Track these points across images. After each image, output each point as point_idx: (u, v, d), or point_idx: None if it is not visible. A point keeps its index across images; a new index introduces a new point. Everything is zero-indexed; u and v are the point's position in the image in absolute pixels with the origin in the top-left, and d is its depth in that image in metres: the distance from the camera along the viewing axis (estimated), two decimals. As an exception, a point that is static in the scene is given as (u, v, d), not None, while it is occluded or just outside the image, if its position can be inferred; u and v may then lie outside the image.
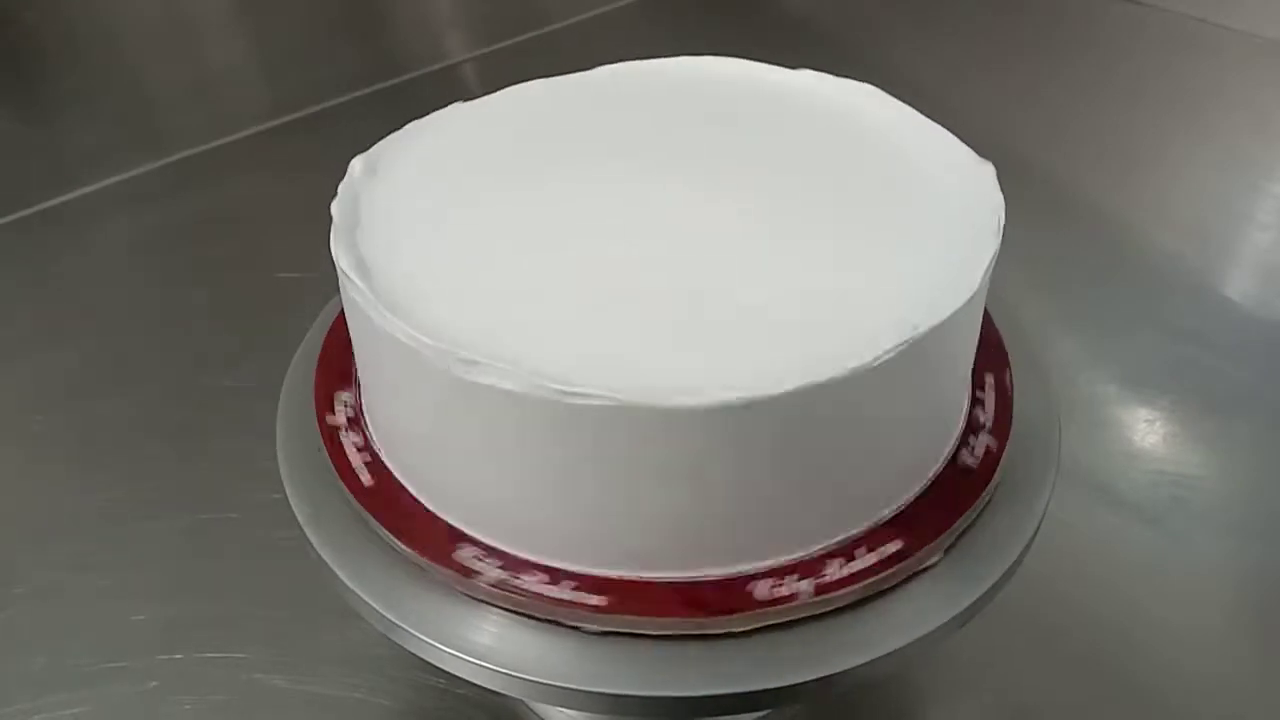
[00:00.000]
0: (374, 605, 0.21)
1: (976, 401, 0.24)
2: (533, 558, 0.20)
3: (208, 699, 0.29)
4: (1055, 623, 0.31)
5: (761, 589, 0.20)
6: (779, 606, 0.20)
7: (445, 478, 0.21)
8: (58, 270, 0.47)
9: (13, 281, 0.47)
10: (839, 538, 0.21)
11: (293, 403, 0.25)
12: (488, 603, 0.20)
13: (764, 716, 0.28)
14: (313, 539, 0.22)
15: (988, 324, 0.25)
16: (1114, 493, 0.36)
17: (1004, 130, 0.56)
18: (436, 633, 0.20)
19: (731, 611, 0.19)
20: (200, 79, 0.57)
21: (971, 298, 0.20)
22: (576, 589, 0.20)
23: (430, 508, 0.22)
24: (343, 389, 0.24)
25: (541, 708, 0.28)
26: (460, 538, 0.21)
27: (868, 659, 0.20)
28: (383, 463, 0.23)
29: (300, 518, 0.22)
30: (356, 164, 0.24)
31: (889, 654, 0.20)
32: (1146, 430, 0.38)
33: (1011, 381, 0.24)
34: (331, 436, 0.23)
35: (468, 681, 0.20)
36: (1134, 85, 0.61)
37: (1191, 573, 0.34)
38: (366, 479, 0.22)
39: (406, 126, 0.25)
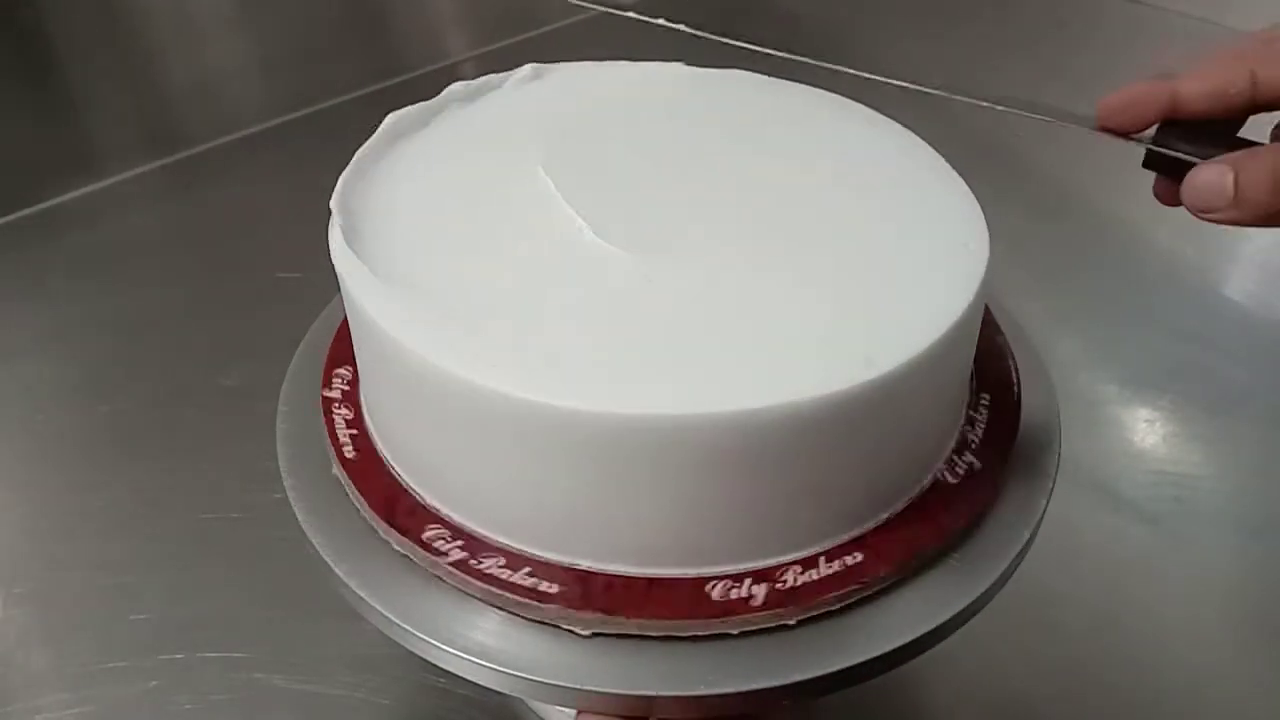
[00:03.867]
0: (375, 605, 0.21)
1: (970, 420, 0.23)
2: (495, 539, 0.21)
3: (208, 699, 0.29)
4: (1055, 622, 0.31)
5: (717, 591, 0.20)
6: (734, 612, 0.20)
7: (444, 475, 0.21)
8: (58, 270, 0.47)
9: (14, 281, 0.47)
10: (806, 548, 0.21)
11: (293, 401, 0.25)
12: (444, 581, 0.20)
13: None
14: (313, 539, 0.22)
15: (992, 343, 0.25)
16: (1114, 493, 0.36)
17: (1004, 130, 0.56)
18: (436, 632, 0.20)
19: (688, 612, 0.20)
20: (201, 79, 0.57)
21: (955, 327, 0.20)
22: (531, 574, 0.20)
23: (407, 482, 0.22)
24: (341, 366, 0.25)
25: (541, 707, 0.28)
26: (432, 519, 0.21)
27: (867, 658, 0.20)
28: (372, 443, 0.23)
29: (301, 518, 0.22)
30: (351, 168, 0.24)
31: (889, 653, 0.20)
32: (1146, 430, 0.38)
33: (1019, 394, 0.24)
34: (325, 410, 0.24)
35: (468, 681, 0.20)
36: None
37: (1191, 572, 0.34)
38: (350, 453, 0.23)
39: (406, 111, 0.25)
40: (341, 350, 0.25)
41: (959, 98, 0.24)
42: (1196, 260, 0.48)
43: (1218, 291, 0.46)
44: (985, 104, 0.24)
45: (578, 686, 0.19)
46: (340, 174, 0.23)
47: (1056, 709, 0.30)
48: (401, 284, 0.20)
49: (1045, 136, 0.55)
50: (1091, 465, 0.37)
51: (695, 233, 0.22)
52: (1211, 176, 0.22)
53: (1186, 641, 0.31)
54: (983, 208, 0.23)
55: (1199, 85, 0.23)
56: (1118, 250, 0.48)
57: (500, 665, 0.20)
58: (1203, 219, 0.23)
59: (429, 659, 0.20)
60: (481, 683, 0.20)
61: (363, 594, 0.21)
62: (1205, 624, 0.32)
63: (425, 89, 0.26)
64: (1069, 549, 0.33)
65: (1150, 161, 0.24)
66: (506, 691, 0.20)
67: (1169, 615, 0.32)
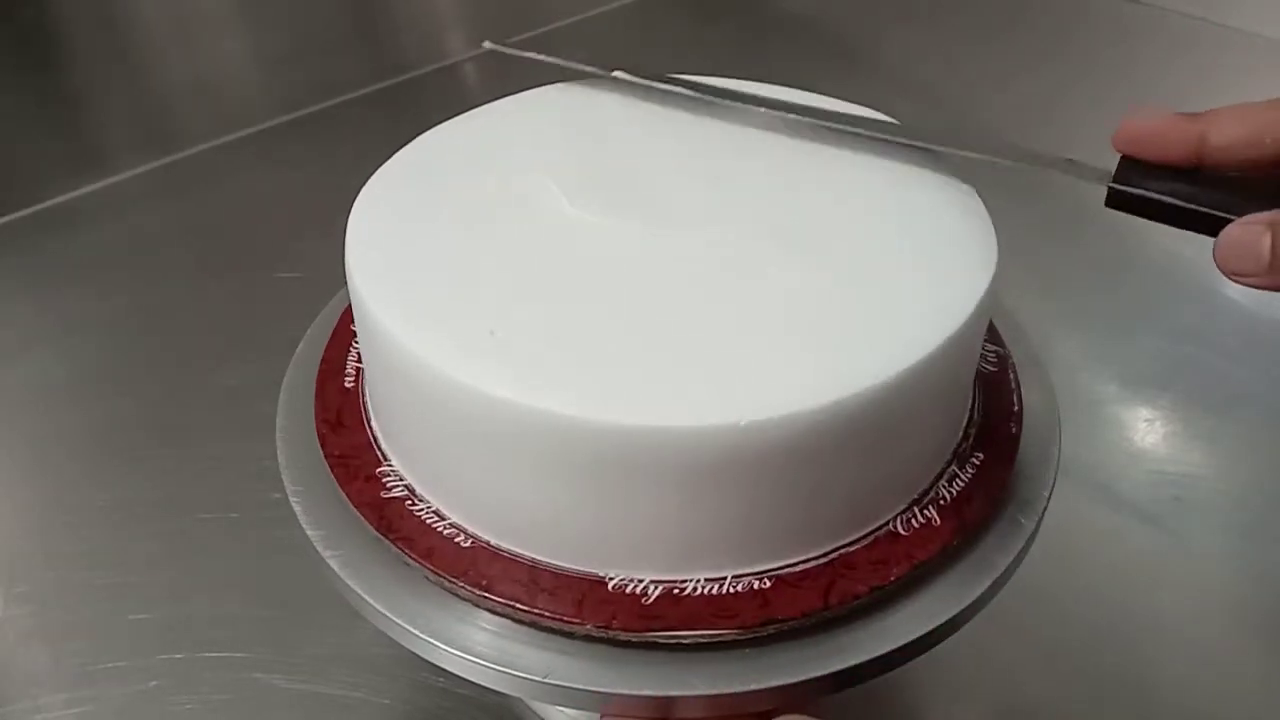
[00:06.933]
0: (375, 605, 0.21)
1: (965, 436, 0.23)
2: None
3: (208, 699, 0.29)
4: (1055, 622, 0.31)
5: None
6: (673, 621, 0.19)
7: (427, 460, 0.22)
8: (58, 270, 0.47)
9: (14, 281, 0.47)
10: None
11: (293, 402, 0.25)
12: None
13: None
14: (313, 538, 0.22)
15: (996, 355, 0.25)
16: (1114, 493, 0.36)
17: (1002, 130, 0.56)
18: (436, 632, 0.20)
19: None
20: (200, 79, 0.57)
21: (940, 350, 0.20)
22: (451, 526, 0.21)
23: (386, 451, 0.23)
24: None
25: (541, 707, 0.28)
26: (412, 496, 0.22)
27: (867, 658, 0.20)
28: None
29: (300, 516, 0.22)
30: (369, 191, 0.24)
31: (888, 653, 0.20)
32: (1146, 430, 0.38)
33: (1019, 424, 0.23)
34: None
35: (468, 681, 0.20)
36: (1134, 84, 0.61)
37: (1191, 571, 0.34)
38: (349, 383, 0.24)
39: (421, 137, 0.25)
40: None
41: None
42: (1196, 260, 0.47)
43: (1218, 291, 0.46)
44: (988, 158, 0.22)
45: (578, 687, 0.19)
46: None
47: (1056, 708, 0.30)
48: (427, 314, 0.21)
49: (1045, 135, 0.55)
50: (1091, 465, 0.37)
51: (697, 240, 0.22)
52: (1246, 236, 0.19)
53: (1186, 640, 0.31)
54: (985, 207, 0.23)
55: (1232, 130, 0.21)
56: (1118, 250, 0.48)
57: (500, 665, 0.20)
58: (1235, 282, 0.20)
59: (429, 659, 0.20)
60: (481, 683, 0.20)
61: (363, 593, 0.21)
62: (1205, 623, 0.32)
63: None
64: (1069, 549, 0.32)
65: (1120, 201, 0.22)
66: (506, 691, 0.20)
67: (1169, 614, 0.32)
